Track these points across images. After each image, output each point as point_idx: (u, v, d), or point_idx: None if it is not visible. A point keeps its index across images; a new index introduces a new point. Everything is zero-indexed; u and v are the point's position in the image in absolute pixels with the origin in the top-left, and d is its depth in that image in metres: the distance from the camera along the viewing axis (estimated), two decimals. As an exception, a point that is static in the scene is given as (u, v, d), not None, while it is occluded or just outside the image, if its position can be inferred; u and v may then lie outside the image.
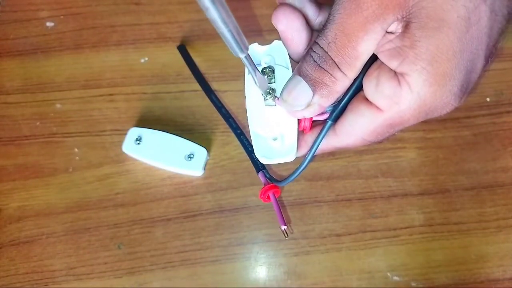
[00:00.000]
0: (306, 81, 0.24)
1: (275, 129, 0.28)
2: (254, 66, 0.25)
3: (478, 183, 0.42)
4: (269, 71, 0.27)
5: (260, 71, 0.27)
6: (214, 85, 0.45)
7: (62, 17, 0.48)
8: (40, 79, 0.46)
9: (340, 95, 0.25)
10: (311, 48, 0.24)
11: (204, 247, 0.40)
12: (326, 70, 0.24)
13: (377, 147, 0.43)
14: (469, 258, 0.40)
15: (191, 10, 0.48)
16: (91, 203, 0.42)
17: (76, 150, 0.43)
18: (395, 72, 0.23)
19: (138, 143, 0.41)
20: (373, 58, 0.25)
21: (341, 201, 0.41)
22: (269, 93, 0.27)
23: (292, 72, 0.26)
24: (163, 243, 0.40)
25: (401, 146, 0.43)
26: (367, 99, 0.25)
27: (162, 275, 0.39)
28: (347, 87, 0.25)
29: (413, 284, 0.39)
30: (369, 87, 0.24)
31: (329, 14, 0.23)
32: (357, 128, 0.25)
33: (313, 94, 0.24)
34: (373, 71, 0.25)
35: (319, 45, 0.24)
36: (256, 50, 0.29)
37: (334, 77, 0.24)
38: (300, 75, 0.25)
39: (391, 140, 0.43)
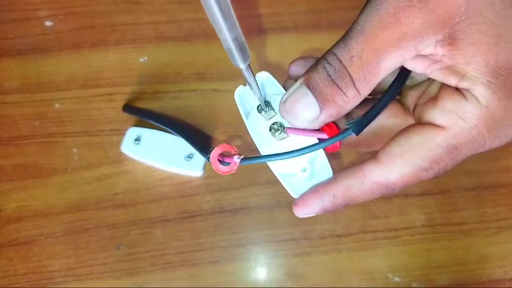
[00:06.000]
0: (315, 96, 0.22)
1: (299, 159, 0.25)
2: (253, 77, 0.23)
3: (479, 183, 0.42)
4: (267, 105, 0.25)
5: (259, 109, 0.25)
6: (214, 85, 0.45)
7: (61, 16, 0.48)
8: (39, 79, 0.46)
9: (347, 113, 0.22)
10: (325, 59, 0.22)
11: (203, 248, 0.40)
12: (340, 88, 0.21)
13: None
14: (470, 259, 0.40)
15: (190, 9, 0.48)
16: (90, 203, 0.41)
17: (75, 150, 0.43)
18: (456, 89, 0.21)
19: (137, 143, 0.41)
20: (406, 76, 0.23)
21: (341, 202, 0.41)
22: (278, 130, 0.24)
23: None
24: (162, 244, 0.40)
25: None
26: (418, 125, 0.22)
27: (162, 276, 0.39)
28: (356, 105, 0.22)
29: (414, 285, 0.39)
30: (425, 106, 0.22)
31: (355, 23, 0.21)
32: (407, 150, 0.21)
33: (320, 111, 0.22)
34: (423, 90, 0.23)
35: (337, 57, 0.21)
36: (244, 94, 0.27)
37: (346, 96, 0.21)
38: (308, 86, 0.22)
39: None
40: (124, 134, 0.42)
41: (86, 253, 0.40)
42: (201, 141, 0.41)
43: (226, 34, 0.19)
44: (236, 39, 0.19)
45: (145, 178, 0.42)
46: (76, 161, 0.43)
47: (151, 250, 0.40)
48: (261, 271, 0.40)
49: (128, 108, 0.44)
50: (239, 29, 0.19)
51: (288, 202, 0.41)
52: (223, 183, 0.42)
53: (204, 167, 0.42)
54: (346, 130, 0.23)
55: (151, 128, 0.42)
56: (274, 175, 0.26)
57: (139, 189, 0.42)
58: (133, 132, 0.41)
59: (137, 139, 0.41)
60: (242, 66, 0.21)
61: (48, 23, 0.48)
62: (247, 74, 0.22)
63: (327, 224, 0.40)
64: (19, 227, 0.41)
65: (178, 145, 0.41)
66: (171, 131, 0.40)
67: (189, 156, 0.41)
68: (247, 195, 0.41)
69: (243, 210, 0.41)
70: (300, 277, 0.39)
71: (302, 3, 0.48)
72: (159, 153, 0.41)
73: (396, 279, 0.39)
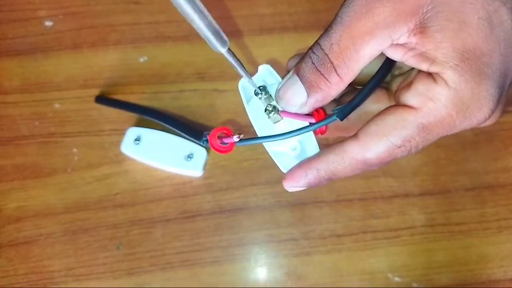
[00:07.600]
0: (302, 83, 0.25)
1: (290, 139, 0.27)
2: (237, 59, 0.25)
3: (479, 183, 0.42)
4: (262, 90, 0.27)
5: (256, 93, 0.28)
6: (214, 85, 0.45)
7: (61, 16, 0.48)
8: (38, 79, 0.46)
9: (333, 98, 0.25)
10: (311, 49, 0.24)
11: (203, 248, 0.40)
12: (322, 74, 0.24)
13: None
14: (470, 259, 0.40)
15: (190, 9, 0.48)
16: (90, 203, 0.41)
17: (74, 150, 0.43)
18: (428, 73, 0.23)
19: (137, 143, 0.41)
20: (390, 65, 0.25)
21: (342, 202, 0.41)
22: (271, 111, 0.27)
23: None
24: (162, 244, 0.40)
25: (402, 146, 0.43)
26: (393, 106, 0.24)
27: (161, 276, 0.39)
28: (341, 91, 0.24)
29: (414, 285, 0.39)
30: (402, 90, 0.24)
31: (336, 15, 0.23)
32: (382, 128, 0.23)
33: (308, 97, 0.25)
34: (401, 78, 0.25)
35: (320, 46, 0.24)
36: (247, 84, 0.29)
37: (329, 82, 0.24)
38: (297, 75, 0.25)
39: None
40: (124, 134, 0.41)
41: (86, 253, 0.40)
42: (188, 126, 0.41)
43: (198, 23, 0.21)
44: (209, 26, 0.21)
45: (145, 178, 0.42)
46: (76, 161, 0.43)
47: (151, 250, 0.40)
48: (261, 271, 0.40)
49: (101, 99, 0.44)
50: (210, 16, 0.21)
51: (288, 202, 0.41)
52: (223, 183, 0.42)
53: (204, 167, 0.42)
54: (331, 115, 0.25)
55: (151, 128, 0.42)
56: (273, 162, 0.28)
57: (139, 189, 0.42)
58: (133, 132, 0.41)
59: (137, 139, 0.41)
60: (223, 50, 0.23)
61: (48, 23, 0.48)
62: (229, 58, 0.24)
63: (327, 224, 0.40)
64: (19, 227, 0.41)
65: (178, 145, 0.41)
66: (159, 121, 0.41)
67: (189, 156, 0.41)
68: (247, 195, 0.41)
69: (243, 210, 0.41)
70: (300, 277, 0.39)
71: (302, 3, 0.48)
72: (159, 153, 0.41)
73: (396, 279, 0.39)
